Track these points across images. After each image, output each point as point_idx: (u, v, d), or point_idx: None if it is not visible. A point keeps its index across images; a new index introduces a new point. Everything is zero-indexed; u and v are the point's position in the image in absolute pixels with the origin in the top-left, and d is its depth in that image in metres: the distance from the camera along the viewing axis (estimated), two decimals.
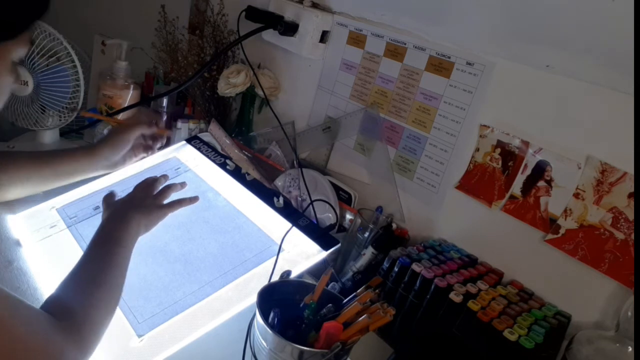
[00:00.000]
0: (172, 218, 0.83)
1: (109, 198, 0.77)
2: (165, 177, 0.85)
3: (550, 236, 0.76)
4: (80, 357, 0.53)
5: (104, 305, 0.58)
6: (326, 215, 0.94)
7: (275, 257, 0.72)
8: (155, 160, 1.00)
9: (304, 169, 0.99)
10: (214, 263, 0.76)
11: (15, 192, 0.82)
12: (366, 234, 0.88)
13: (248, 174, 0.93)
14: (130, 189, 0.80)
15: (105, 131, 1.10)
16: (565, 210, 0.75)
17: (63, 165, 0.84)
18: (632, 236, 0.69)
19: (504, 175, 0.82)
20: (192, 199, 0.82)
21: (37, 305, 0.53)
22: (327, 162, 1.08)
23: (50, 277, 0.73)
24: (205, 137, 1.07)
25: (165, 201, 0.79)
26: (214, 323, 0.66)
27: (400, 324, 0.77)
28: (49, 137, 1.14)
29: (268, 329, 0.56)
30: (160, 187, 0.81)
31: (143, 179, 0.83)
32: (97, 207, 0.87)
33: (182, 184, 0.85)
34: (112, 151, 0.88)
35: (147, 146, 0.96)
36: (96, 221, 0.83)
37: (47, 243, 0.79)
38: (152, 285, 0.72)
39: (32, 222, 0.84)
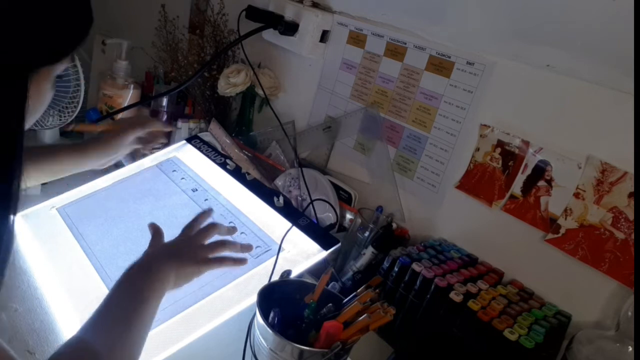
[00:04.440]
0: (172, 219, 0.83)
1: (154, 239, 0.69)
2: (231, 229, 0.76)
3: (550, 236, 0.76)
4: None
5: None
6: (326, 215, 0.94)
7: (275, 257, 0.72)
8: (155, 160, 1.00)
9: (304, 169, 0.99)
10: None
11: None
12: (366, 234, 0.88)
13: (248, 174, 0.93)
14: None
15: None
16: (565, 210, 0.75)
17: (48, 162, 0.80)
18: (632, 236, 0.69)
19: (504, 175, 0.82)
20: (237, 261, 0.71)
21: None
22: (327, 161, 1.08)
23: (50, 277, 0.73)
24: (206, 136, 1.07)
25: (212, 255, 0.69)
26: (214, 323, 0.66)
27: (401, 324, 0.77)
28: (49, 136, 1.13)
29: (268, 329, 0.56)
30: (214, 239, 0.71)
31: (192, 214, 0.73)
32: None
33: (232, 229, 0.77)
34: (101, 155, 0.85)
35: (144, 145, 0.93)
36: (95, 221, 0.83)
37: (47, 242, 0.79)
38: None
39: (32, 221, 0.84)
